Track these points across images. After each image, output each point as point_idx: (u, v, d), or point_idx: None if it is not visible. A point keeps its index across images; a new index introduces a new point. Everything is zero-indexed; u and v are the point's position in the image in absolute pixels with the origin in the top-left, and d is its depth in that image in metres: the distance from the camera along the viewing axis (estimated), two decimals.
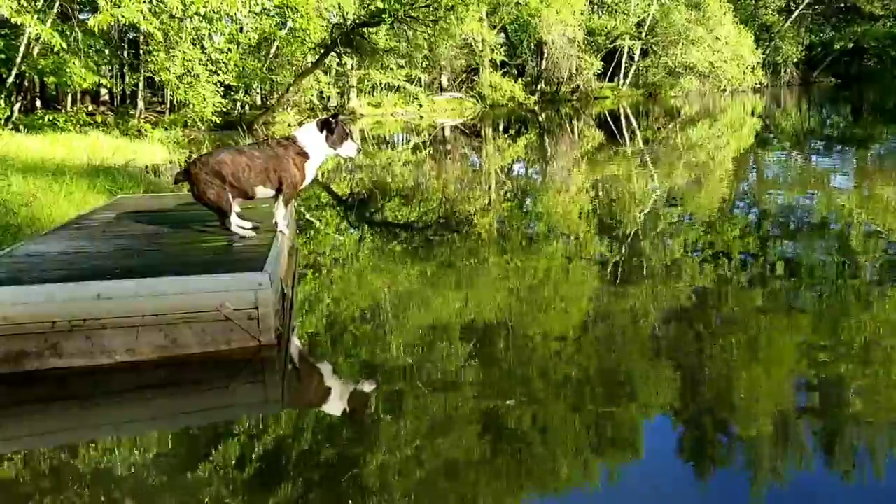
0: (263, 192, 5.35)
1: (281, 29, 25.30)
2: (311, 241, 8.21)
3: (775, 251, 6.72)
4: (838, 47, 40.65)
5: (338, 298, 5.84)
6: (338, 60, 29.91)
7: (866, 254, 6.40)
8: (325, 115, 5.44)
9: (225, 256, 4.91)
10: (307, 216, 10.04)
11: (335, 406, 3.83)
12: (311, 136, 5.29)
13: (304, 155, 5.27)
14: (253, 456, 3.33)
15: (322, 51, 27.00)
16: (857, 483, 3.04)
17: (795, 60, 39.14)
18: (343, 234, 8.80)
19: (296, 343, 4.67)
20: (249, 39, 24.64)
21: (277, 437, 3.50)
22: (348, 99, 32.64)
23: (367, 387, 4.03)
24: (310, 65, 28.11)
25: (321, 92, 31.16)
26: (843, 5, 39.61)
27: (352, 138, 5.43)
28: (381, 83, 32.77)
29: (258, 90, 30.96)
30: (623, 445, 3.43)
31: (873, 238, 7.01)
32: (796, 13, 38.64)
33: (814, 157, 14.75)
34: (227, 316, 4.17)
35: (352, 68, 31.40)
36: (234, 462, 3.28)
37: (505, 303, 5.57)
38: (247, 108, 29.66)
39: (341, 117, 5.41)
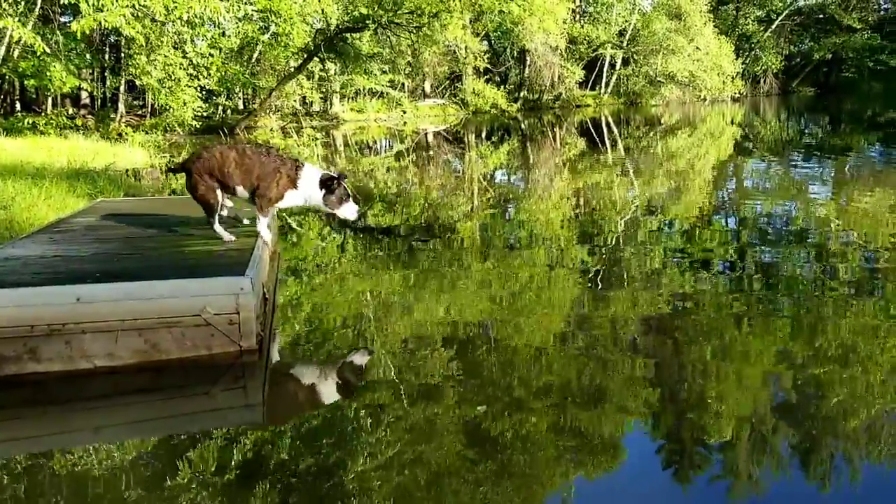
0: (242, 192, 5.36)
1: (264, 34, 25.27)
2: (293, 246, 8.20)
3: (753, 259, 6.81)
4: (817, 58, 41.22)
5: (319, 304, 5.83)
6: (321, 66, 29.89)
7: (842, 262, 6.49)
8: (331, 172, 5.36)
9: (206, 260, 4.90)
10: (289, 220, 10.02)
11: (316, 412, 3.83)
12: (310, 180, 5.25)
13: (293, 183, 5.25)
14: (233, 462, 3.32)
15: (305, 56, 26.96)
16: (833, 489, 3.09)
17: (774, 70, 39.63)
18: (325, 239, 8.79)
19: (277, 348, 4.66)
20: (232, 44, 24.58)
21: (258, 443, 3.50)
22: (331, 104, 32.60)
23: (349, 392, 4.04)
24: (292, 70, 28.07)
25: (304, 97, 31.11)
26: (821, 16, 40.18)
27: (354, 200, 5.38)
28: (364, 89, 32.76)
29: (240, 95, 30.87)
30: (602, 452, 3.46)
31: (850, 247, 7.12)
32: (776, 24, 39.13)
33: (792, 167, 14.93)
34: (208, 321, 4.16)
35: (335, 73, 31.38)
36: (214, 468, 3.27)
37: (487, 309, 5.59)
38: (229, 112, 29.56)
39: (345, 179, 5.34)
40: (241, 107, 30.81)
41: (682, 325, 5.00)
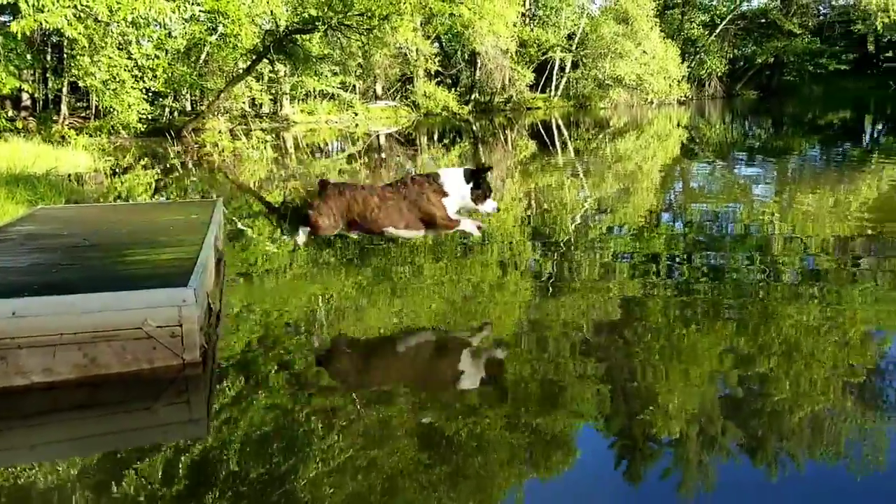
0: (399, 231, 5.26)
1: (211, 34, 24.86)
2: (242, 251, 8.07)
3: (699, 259, 6.93)
4: (759, 62, 42.29)
5: (268, 311, 5.72)
6: (270, 67, 29.54)
7: (785, 261, 6.65)
8: (472, 167, 5.29)
9: (148, 271, 4.78)
10: (239, 225, 9.88)
11: (264, 423, 3.76)
12: (455, 180, 5.20)
13: (443, 192, 5.18)
14: (177, 479, 3.24)
15: (254, 57, 26.62)
16: (779, 480, 3.16)
17: (719, 74, 40.54)
18: (276, 243, 8.67)
19: (223, 360, 4.56)
20: (178, 45, 24.13)
21: (203, 458, 3.42)
22: (281, 106, 32.25)
23: (298, 401, 3.98)
24: (241, 71, 27.68)
25: (253, 99, 30.72)
26: (763, 21, 41.24)
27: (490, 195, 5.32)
28: (314, 90, 32.49)
29: (188, 96, 30.33)
30: (554, 452, 3.48)
31: (792, 246, 7.30)
32: (720, 28, 40.04)
33: (737, 168, 15.28)
34: (150, 333, 4.06)
35: (285, 75, 31.05)
36: (156, 486, 3.19)
37: (440, 311, 5.58)
38: (176, 114, 29.02)
39: (489, 171, 5.29)
40: (188, 109, 30.27)
41: (632, 325, 5.06)
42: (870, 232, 7.75)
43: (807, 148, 18.44)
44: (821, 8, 41.71)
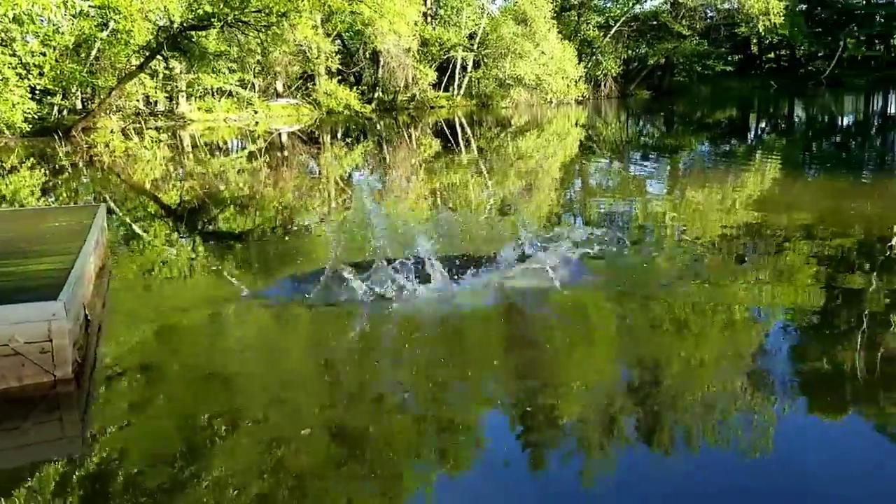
0: None
1: (102, 30, 23.72)
2: (132, 257, 7.70)
3: (598, 252, 7.01)
4: (651, 62, 43.87)
5: (155, 320, 5.44)
6: (165, 64, 28.46)
7: (677, 253, 6.86)
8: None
9: (17, 284, 4.48)
10: (134, 227, 9.47)
11: (141, 443, 3.57)
12: None
13: None
14: (48, 502, 3.04)
15: (147, 54, 25.58)
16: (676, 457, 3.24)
17: (614, 74, 41.78)
18: (170, 247, 8.32)
19: (100, 375, 4.31)
20: (67, 41, 22.91)
21: (75, 480, 3.22)
22: (177, 104, 31.12)
23: (178, 419, 3.79)
24: (134, 68, 26.54)
25: (147, 96, 29.53)
26: (654, 23, 42.77)
27: None
28: (212, 88, 31.50)
29: (78, 94, 28.86)
30: (458, 442, 3.45)
31: (682, 238, 7.56)
32: (614, 30, 41.28)
33: (631, 166, 15.77)
34: (17, 350, 3.80)
35: (180, 72, 29.97)
36: None
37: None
38: (65, 112, 27.57)
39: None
40: (79, 107, 28.78)
41: (533, 317, 5.10)
42: (753, 223, 8.13)
43: (696, 145, 19.22)
44: (707, 11, 43.62)
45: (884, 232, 7.73)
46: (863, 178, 12.47)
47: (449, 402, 3.94)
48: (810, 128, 23.54)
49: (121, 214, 10.76)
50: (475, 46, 36.04)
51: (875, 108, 30.47)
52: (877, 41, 46.91)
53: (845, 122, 24.55)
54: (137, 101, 29.13)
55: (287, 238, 8.66)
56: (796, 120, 27.17)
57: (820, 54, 47.04)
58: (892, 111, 28.29)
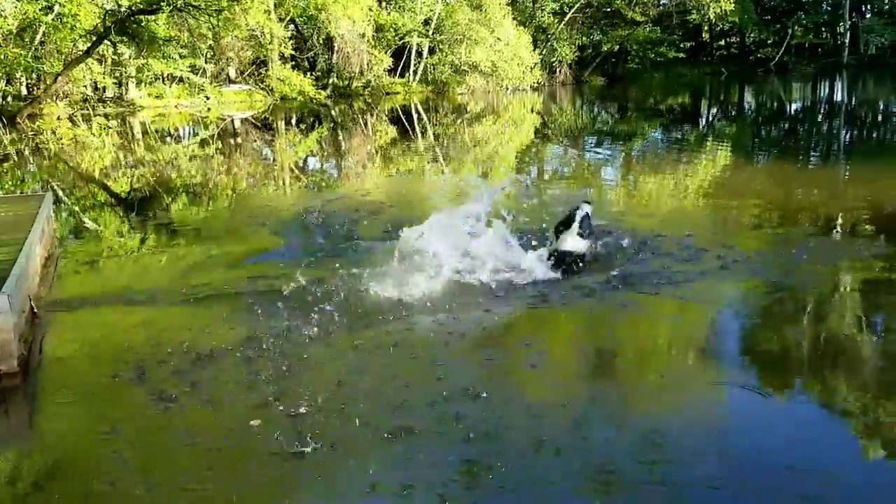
0: None
1: (47, 14, 23.01)
2: (80, 246, 7.52)
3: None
4: (606, 49, 44.20)
5: (103, 311, 5.33)
6: (113, 49, 27.74)
7: (631, 239, 6.93)
8: None
9: None
10: (82, 216, 9.25)
11: (90, 435, 3.49)
12: None
13: None
14: None
15: (94, 38, 24.90)
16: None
17: (569, 61, 41.99)
18: (119, 236, 8.15)
19: (47, 367, 4.21)
20: (10, 25, 22.18)
21: (23, 474, 3.14)
22: (126, 89, 30.38)
23: (127, 409, 3.72)
24: (81, 53, 25.82)
25: (95, 82, 28.78)
26: (608, 10, 43.07)
27: None
28: (162, 74, 30.82)
29: (23, 80, 27.98)
30: None
31: (637, 223, 7.66)
32: (568, 16, 41.44)
33: (587, 152, 15.92)
34: None
35: (129, 57, 29.24)
36: None
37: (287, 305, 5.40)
38: (10, 99, 26.72)
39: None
40: (24, 93, 27.90)
41: (490, 317, 5.13)
42: (705, 207, 8.29)
43: (649, 131, 19.47)
44: None
45: (830, 214, 7.98)
46: (810, 164, 12.80)
47: None
48: (759, 114, 24.03)
49: (68, 203, 10.50)
50: (430, 32, 35.88)
51: (821, 95, 31.24)
52: (823, 29, 47.96)
53: (793, 109, 25.11)
54: (85, 87, 28.40)
55: (239, 227, 8.55)
56: (746, 106, 27.69)
57: (769, 42, 47.96)
58: (838, 98, 29.02)
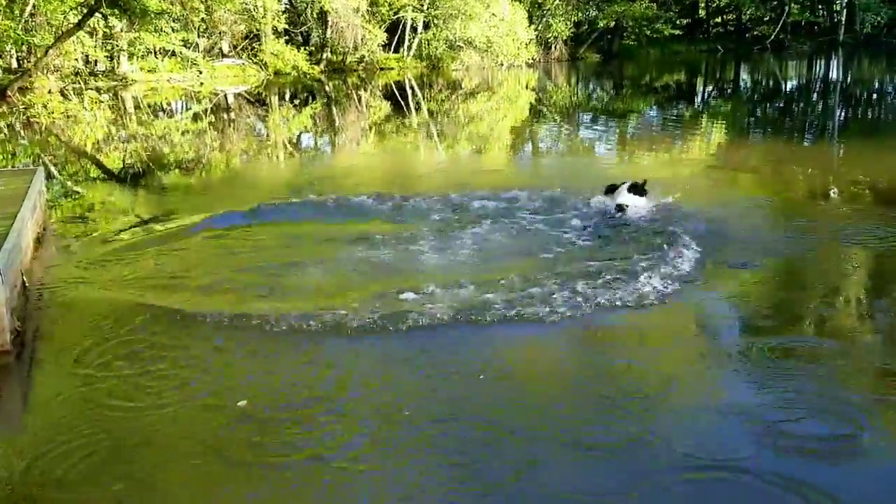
0: None
1: None
2: (73, 221, 7.47)
3: (539, 214, 7.02)
4: (601, 25, 43.88)
5: (96, 285, 5.28)
6: (104, 22, 27.42)
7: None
8: None
9: None
10: (75, 191, 9.19)
11: (86, 413, 3.47)
12: None
13: None
14: None
15: (85, 10, 24.60)
16: None
17: (564, 38, 41.67)
18: (112, 211, 8.10)
19: (41, 343, 4.18)
20: None
21: (17, 458, 3.12)
22: (118, 63, 30.07)
23: (124, 384, 3.70)
24: (72, 26, 25.50)
25: (87, 56, 28.48)
26: None
27: None
28: (155, 47, 30.49)
29: (13, 53, 27.65)
30: None
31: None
32: None
33: (582, 129, 15.86)
34: None
35: (121, 31, 28.92)
36: None
37: (276, 283, 5.38)
38: (0, 72, 26.42)
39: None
40: (14, 66, 27.57)
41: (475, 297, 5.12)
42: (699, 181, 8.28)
43: (644, 109, 19.39)
44: None
45: (825, 189, 7.98)
46: (805, 141, 12.78)
47: None
48: (755, 92, 23.94)
49: (60, 178, 10.42)
50: (425, 7, 35.53)
51: (817, 73, 31.12)
52: (820, 7, 47.67)
53: (789, 87, 25.03)
54: (76, 60, 28.10)
55: (229, 201, 8.50)
56: (742, 84, 27.58)
57: (766, 19, 47.66)
58: (833, 76, 28.92)
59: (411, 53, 36.33)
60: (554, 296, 4.60)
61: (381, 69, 34.73)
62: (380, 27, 34.99)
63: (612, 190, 7.05)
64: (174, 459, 3.11)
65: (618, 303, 4.56)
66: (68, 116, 18.83)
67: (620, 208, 6.78)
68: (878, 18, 42.34)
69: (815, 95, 21.56)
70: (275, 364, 3.95)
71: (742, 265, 5.38)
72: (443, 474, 2.93)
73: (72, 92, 24.95)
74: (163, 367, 3.88)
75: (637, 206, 6.78)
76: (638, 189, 6.88)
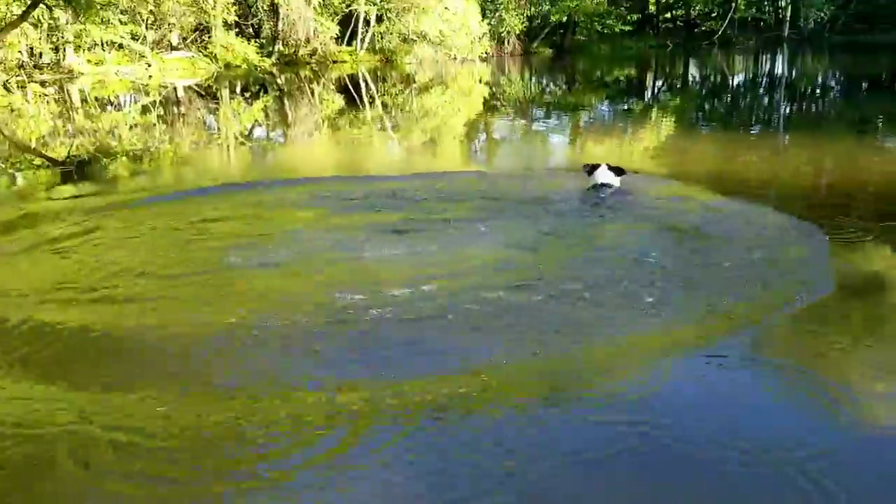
0: None
1: None
2: (15, 219, 7.31)
3: (492, 210, 7.15)
4: (554, 20, 44.33)
5: (39, 282, 5.23)
6: (49, 13, 26.73)
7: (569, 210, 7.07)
8: None
9: None
10: (17, 183, 8.98)
11: (15, 424, 3.46)
12: None
13: None
14: None
15: (29, 2, 23.95)
16: None
17: (517, 32, 41.99)
18: (56, 207, 7.95)
19: None
20: None
21: None
22: (64, 56, 29.34)
23: (71, 383, 3.66)
24: (16, 18, 24.81)
25: (31, 48, 27.74)
26: None
27: None
28: (102, 39, 29.82)
29: None
30: None
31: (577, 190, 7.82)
32: None
33: (535, 123, 16.03)
34: None
35: (66, 22, 28.21)
36: None
37: (241, 275, 5.39)
38: None
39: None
40: None
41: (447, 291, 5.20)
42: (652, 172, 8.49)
43: (596, 103, 19.68)
44: None
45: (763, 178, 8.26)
46: (750, 133, 13.14)
47: None
48: (703, 87, 24.47)
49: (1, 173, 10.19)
50: (377, 0, 35.44)
51: (763, 68, 31.91)
52: (766, 3, 48.88)
53: (736, 82, 25.63)
54: (20, 52, 27.39)
55: (178, 193, 8.43)
56: (690, 79, 28.15)
57: (713, 15, 48.73)
58: (778, 71, 29.70)
59: (364, 46, 36.19)
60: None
61: (335, 62, 34.55)
62: (332, 20, 34.79)
63: (592, 170, 7.78)
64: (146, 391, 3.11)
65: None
66: (11, 110, 18.35)
67: (605, 185, 7.55)
68: (822, 15, 43.60)
69: (760, 90, 22.13)
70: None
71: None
72: None
73: (15, 85, 24.27)
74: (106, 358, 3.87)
75: (614, 184, 7.61)
76: (615, 169, 7.67)
